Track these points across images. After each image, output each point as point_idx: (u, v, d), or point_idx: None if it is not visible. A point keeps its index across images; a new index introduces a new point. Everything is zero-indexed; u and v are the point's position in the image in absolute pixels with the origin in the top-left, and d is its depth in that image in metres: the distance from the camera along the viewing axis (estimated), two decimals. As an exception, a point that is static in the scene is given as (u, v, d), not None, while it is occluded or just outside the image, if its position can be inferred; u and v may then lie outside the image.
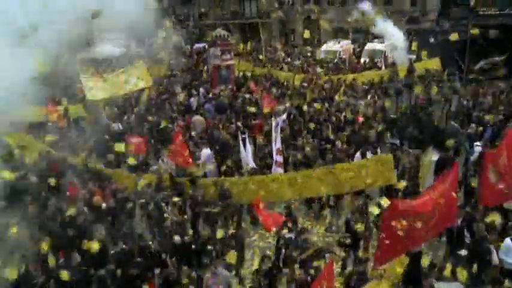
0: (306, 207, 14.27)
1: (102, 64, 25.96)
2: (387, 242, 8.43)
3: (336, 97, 21.61)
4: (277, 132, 14.34)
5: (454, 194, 9.47)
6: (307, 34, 34.69)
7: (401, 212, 8.34)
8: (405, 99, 15.94)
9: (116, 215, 11.95)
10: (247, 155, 14.41)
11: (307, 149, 14.73)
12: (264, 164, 14.60)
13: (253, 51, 38.15)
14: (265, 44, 39.45)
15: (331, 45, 35.88)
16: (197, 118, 19.35)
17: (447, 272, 8.71)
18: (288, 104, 20.10)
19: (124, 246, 10.12)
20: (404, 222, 8.28)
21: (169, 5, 52.44)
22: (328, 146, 15.14)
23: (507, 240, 9.88)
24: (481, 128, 15.61)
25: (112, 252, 10.22)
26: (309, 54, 37.36)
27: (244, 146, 14.50)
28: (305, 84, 24.57)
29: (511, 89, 23.24)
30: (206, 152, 14.85)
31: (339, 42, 36.46)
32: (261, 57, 34.65)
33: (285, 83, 25.96)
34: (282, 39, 51.04)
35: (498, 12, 28.45)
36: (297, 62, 33.34)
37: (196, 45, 38.51)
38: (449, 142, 11.18)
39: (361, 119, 17.55)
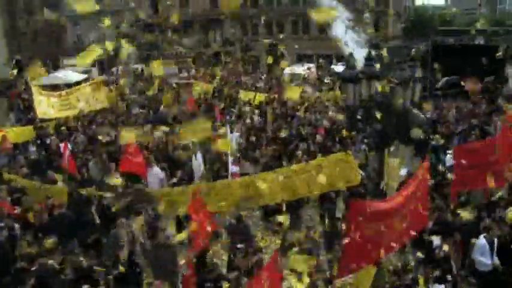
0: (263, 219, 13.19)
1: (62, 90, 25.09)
2: (352, 248, 7.37)
3: (299, 113, 21.16)
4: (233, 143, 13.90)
5: (424, 197, 8.62)
6: (270, 60, 34.62)
7: (367, 214, 7.34)
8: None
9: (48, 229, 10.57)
10: (198, 164, 13.62)
11: (263, 160, 13.91)
12: (217, 175, 13.54)
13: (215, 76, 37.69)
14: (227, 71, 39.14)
15: (295, 68, 35.84)
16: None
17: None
18: (248, 121, 19.71)
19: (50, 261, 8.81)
20: (371, 226, 7.31)
21: (133, 32, 51.71)
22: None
23: (481, 238, 8.97)
24: (442, 141, 15.45)
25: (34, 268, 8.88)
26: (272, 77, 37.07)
27: (196, 156, 13.75)
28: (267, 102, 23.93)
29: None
30: (155, 170, 13.61)
31: (302, 65, 36.41)
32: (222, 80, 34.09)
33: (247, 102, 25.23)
34: (247, 66, 50.77)
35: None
36: (260, 84, 32.87)
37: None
38: (415, 131, 10.29)
39: (322, 131, 17.31)
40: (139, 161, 12.75)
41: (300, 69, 35.43)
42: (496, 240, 9.03)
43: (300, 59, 43.53)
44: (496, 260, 8.93)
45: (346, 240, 7.29)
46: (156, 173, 13.11)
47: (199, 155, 13.89)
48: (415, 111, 10.48)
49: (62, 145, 15.11)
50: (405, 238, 8.39)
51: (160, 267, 9.63)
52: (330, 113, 20.89)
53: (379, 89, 9.71)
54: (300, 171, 10.59)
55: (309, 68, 35.55)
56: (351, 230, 7.18)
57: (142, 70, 39.13)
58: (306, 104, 22.87)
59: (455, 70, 27.19)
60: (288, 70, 36.26)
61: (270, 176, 10.88)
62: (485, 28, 29.51)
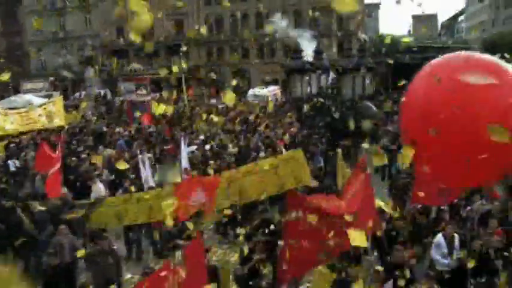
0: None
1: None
2: (292, 248, 6.90)
3: (260, 128, 20.83)
4: (184, 154, 13.94)
5: (371, 197, 8.18)
6: (234, 83, 34.79)
7: (305, 208, 6.91)
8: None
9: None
10: (147, 174, 13.18)
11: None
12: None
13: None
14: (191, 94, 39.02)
15: (258, 90, 35.80)
16: (103, 150, 17.96)
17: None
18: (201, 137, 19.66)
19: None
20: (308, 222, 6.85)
21: (96, 55, 51.21)
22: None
23: (438, 236, 8.59)
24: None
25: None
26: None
27: (144, 166, 13.40)
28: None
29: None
30: (97, 187, 13.26)
31: (266, 87, 36.40)
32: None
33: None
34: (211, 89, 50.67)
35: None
36: (222, 105, 32.64)
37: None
38: (365, 124, 9.89)
39: (282, 143, 16.96)
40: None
41: (264, 90, 35.34)
42: (456, 238, 8.67)
43: (266, 83, 43.71)
44: (456, 259, 8.52)
45: (286, 240, 6.85)
46: (98, 189, 13.10)
47: (147, 166, 13.47)
48: (367, 103, 10.19)
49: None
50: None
51: (102, 275, 9.04)
52: (292, 129, 20.75)
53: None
54: (250, 172, 10.02)
55: (271, 91, 35.48)
56: (289, 228, 6.74)
57: (105, 94, 39.02)
58: (267, 121, 22.57)
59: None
60: (251, 91, 36.22)
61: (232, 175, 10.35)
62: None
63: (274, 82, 44.56)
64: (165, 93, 35.93)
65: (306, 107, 9.46)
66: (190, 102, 34.51)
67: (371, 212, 7.88)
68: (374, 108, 10.92)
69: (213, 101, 37.36)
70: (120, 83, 28.54)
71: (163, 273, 5.29)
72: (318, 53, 9.39)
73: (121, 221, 10.63)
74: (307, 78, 9.22)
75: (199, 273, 5.50)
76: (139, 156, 13.91)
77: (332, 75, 9.66)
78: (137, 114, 21.48)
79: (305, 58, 9.64)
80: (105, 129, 23.02)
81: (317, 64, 9.45)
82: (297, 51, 9.87)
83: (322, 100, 9.01)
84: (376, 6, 71.51)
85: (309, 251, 7.05)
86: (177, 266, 5.36)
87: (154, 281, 5.35)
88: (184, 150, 14.31)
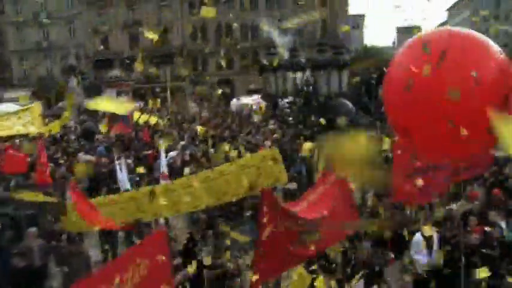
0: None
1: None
2: (268, 245, 6.64)
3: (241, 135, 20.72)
4: (162, 159, 13.79)
5: (350, 198, 8.00)
6: (218, 92, 34.83)
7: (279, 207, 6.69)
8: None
9: None
10: (123, 177, 12.99)
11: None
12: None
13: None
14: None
15: (242, 99, 35.68)
16: (82, 156, 17.65)
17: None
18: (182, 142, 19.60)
19: None
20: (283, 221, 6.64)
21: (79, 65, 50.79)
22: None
23: (417, 235, 8.41)
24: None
25: None
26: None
27: (121, 170, 13.21)
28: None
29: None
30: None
31: (251, 97, 36.29)
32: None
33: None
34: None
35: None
36: (206, 114, 32.59)
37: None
38: (341, 121, 9.66)
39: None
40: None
41: (248, 99, 35.19)
42: (436, 236, 8.49)
43: (250, 92, 43.59)
44: (435, 258, 8.33)
45: (262, 237, 6.58)
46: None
47: (124, 169, 13.31)
48: (342, 100, 10.01)
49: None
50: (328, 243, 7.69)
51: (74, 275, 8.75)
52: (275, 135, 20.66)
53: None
54: (224, 171, 9.69)
55: (255, 100, 35.34)
56: (264, 224, 6.48)
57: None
58: (250, 128, 22.44)
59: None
60: (234, 101, 36.11)
61: (189, 180, 9.99)
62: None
63: (259, 91, 44.53)
64: (150, 103, 35.99)
65: (281, 104, 9.29)
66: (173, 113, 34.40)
67: (348, 211, 7.72)
68: (349, 105, 10.75)
69: (196, 109, 37.18)
70: (103, 90, 28.23)
71: (122, 263, 4.94)
72: (293, 50, 9.21)
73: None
74: (282, 75, 9.01)
75: (163, 268, 5.21)
76: (117, 162, 13.61)
77: (308, 73, 9.50)
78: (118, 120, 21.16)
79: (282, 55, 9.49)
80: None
81: (292, 61, 9.25)
82: (272, 48, 9.67)
83: (297, 98, 8.82)
84: (361, 17, 72.00)
85: (284, 252, 6.82)
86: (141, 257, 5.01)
87: (111, 269, 4.98)
88: (164, 156, 14.15)
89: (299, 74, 9.02)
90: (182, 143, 19.48)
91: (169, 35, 57.16)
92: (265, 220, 6.49)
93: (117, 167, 13.19)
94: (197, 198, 9.73)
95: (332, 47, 9.94)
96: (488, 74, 5.08)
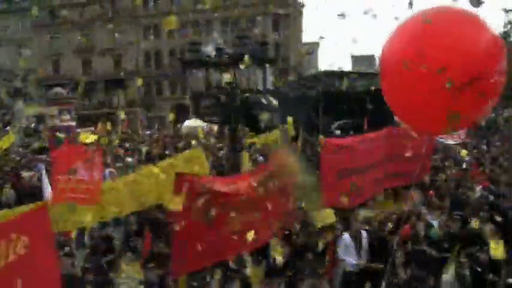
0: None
1: None
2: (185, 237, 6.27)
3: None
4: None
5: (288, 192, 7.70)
6: (172, 117, 34.57)
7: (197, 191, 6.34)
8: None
9: None
10: (45, 186, 12.16)
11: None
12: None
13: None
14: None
15: (193, 122, 35.27)
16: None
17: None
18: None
19: None
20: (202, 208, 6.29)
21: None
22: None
23: (345, 235, 8.12)
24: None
25: None
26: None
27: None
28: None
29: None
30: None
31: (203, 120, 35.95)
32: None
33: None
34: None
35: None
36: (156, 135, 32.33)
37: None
38: (263, 116, 9.37)
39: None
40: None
41: (198, 122, 34.79)
42: (365, 236, 8.24)
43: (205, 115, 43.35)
44: (364, 259, 8.06)
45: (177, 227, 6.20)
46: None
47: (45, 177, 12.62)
48: (267, 98, 9.77)
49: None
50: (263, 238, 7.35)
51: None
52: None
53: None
54: (148, 174, 9.22)
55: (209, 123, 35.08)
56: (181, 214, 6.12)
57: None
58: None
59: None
60: (186, 123, 35.67)
61: (114, 184, 9.49)
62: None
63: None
64: (99, 126, 35.38)
65: (204, 102, 9.04)
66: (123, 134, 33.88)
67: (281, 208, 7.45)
68: (274, 102, 10.51)
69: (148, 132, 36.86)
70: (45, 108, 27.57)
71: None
72: (219, 49, 8.99)
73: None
74: (204, 72, 8.73)
75: (44, 248, 4.66)
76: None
77: (233, 70, 9.29)
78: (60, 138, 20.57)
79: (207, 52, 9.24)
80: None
81: (217, 59, 9.00)
82: (195, 43, 9.42)
83: (221, 94, 8.59)
84: (316, 44, 73.01)
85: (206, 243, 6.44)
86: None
87: None
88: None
89: (224, 71, 8.79)
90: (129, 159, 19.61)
91: (122, 60, 56.74)
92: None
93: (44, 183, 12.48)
94: (121, 203, 9.27)
95: (255, 43, 9.73)
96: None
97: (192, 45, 9.78)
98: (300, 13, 61.72)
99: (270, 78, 9.68)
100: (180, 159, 9.35)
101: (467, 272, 7.20)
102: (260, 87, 9.19)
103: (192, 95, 9.40)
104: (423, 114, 5.17)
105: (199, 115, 11.84)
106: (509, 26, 37.43)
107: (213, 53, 9.15)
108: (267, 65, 9.40)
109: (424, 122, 5.44)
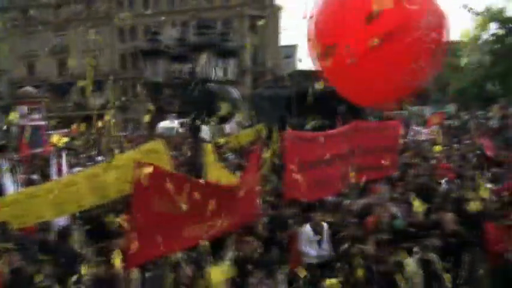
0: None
1: None
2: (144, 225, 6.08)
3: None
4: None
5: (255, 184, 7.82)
6: (147, 119, 34.16)
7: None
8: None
9: None
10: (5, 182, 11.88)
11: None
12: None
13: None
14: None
15: (168, 123, 35.11)
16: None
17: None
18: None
19: None
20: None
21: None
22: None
23: (306, 227, 8.03)
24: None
25: None
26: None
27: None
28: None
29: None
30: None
31: (177, 120, 35.76)
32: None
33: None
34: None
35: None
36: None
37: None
38: (224, 108, 9.20)
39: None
40: None
41: (174, 123, 34.71)
42: (325, 227, 8.15)
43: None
44: (325, 250, 7.98)
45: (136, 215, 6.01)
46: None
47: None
48: (228, 88, 9.62)
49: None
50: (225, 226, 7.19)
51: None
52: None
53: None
54: (108, 168, 9.04)
55: (182, 123, 34.99)
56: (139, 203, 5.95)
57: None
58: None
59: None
60: (162, 124, 35.54)
61: (75, 178, 9.29)
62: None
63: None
64: (73, 127, 34.96)
65: (164, 93, 8.95)
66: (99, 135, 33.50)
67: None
68: (235, 93, 10.36)
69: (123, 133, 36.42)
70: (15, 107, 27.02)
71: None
72: (180, 40, 8.85)
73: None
74: (163, 62, 8.58)
75: None
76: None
77: (193, 60, 9.12)
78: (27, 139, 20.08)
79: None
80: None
81: (176, 50, 8.86)
82: (154, 33, 9.24)
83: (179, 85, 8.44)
84: (294, 47, 73.07)
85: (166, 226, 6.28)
86: None
87: None
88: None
89: (183, 62, 8.63)
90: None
91: (98, 62, 56.09)
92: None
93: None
94: (81, 198, 9.07)
95: (216, 33, 9.58)
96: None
97: (153, 34, 9.61)
98: (278, 16, 61.76)
99: (234, 70, 9.54)
100: (141, 151, 9.24)
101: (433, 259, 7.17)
102: (221, 78, 9.08)
103: (148, 86, 9.18)
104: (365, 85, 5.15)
105: (157, 107, 11.57)
106: None
107: (173, 43, 9.05)
108: (230, 56, 9.29)
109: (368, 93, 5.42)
